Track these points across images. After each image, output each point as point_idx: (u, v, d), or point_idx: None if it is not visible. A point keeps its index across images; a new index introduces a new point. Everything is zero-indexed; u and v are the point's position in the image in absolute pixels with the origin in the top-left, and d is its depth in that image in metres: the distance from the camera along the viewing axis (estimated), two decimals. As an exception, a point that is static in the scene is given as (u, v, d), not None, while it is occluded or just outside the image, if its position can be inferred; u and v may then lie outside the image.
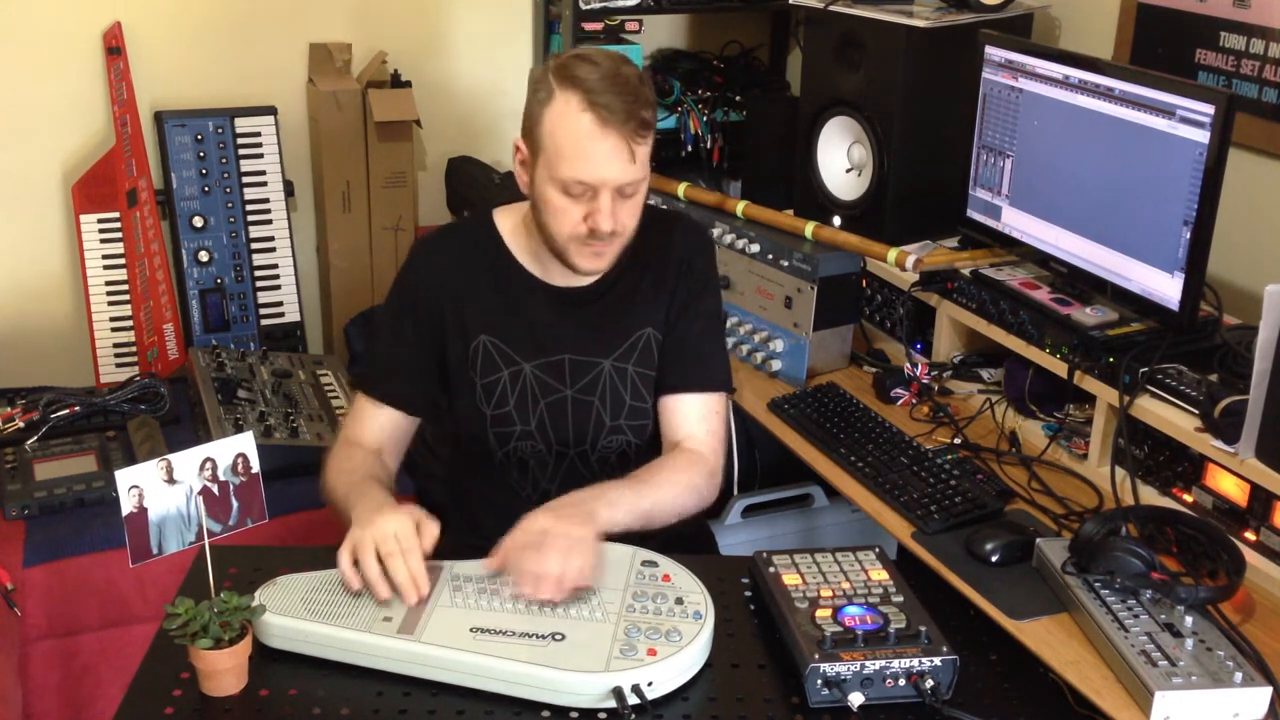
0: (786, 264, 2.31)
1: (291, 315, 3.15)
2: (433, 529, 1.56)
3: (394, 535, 1.52)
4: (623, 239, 1.73)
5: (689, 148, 3.19)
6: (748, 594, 1.64)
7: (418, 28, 3.26)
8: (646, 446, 1.88)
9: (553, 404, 1.82)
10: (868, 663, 1.39)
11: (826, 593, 1.52)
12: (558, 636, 1.44)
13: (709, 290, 1.89)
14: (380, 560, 1.51)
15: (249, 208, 3.09)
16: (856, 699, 1.39)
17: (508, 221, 1.85)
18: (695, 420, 1.85)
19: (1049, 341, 2.01)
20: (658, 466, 1.78)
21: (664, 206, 2.59)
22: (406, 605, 1.49)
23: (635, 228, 1.75)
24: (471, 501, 1.92)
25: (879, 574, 1.57)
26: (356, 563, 1.52)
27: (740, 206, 2.49)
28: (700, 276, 1.87)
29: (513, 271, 1.82)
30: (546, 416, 1.81)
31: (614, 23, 3.03)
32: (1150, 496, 1.86)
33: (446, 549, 1.58)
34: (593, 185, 1.65)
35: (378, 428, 1.83)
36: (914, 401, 2.21)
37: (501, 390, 1.81)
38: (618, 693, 1.36)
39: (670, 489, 1.75)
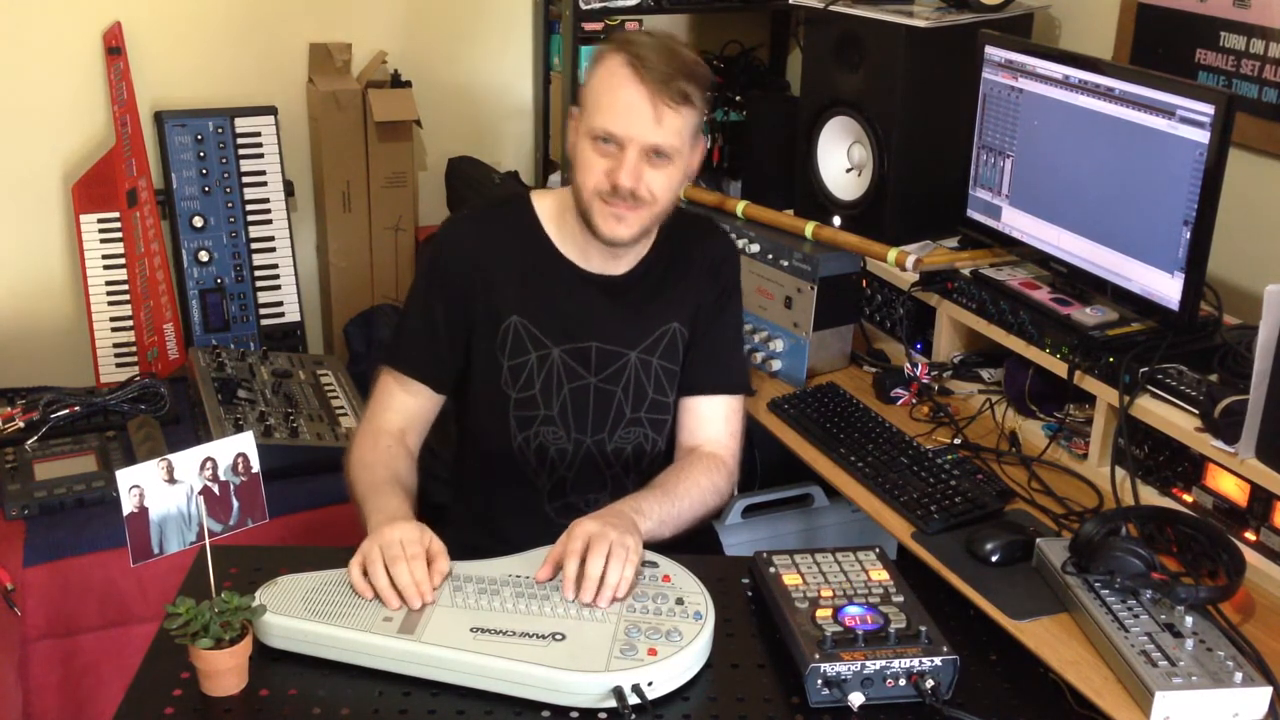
0: (786, 264, 2.31)
1: (291, 315, 3.15)
2: (444, 565, 1.54)
3: (399, 541, 1.52)
4: (650, 209, 1.73)
5: (689, 147, 3.19)
6: (748, 594, 1.64)
7: (418, 28, 3.26)
8: (664, 445, 1.89)
9: (576, 390, 1.82)
10: (868, 663, 1.39)
11: (827, 593, 1.52)
12: (558, 636, 1.44)
13: (735, 298, 1.93)
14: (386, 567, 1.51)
15: (249, 208, 3.09)
16: (857, 699, 1.39)
17: (545, 204, 1.85)
18: (719, 422, 1.88)
19: (1049, 341, 2.01)
20: (681, 473, 1.79)
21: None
22: (410, 609, 1.49)
23: (666, 204, 1.75)
24: (481, 497, 1.92)
25: (879, 574, 1.57)
26: (366, 574, 1.52)
27: (740, 206, 2.49)
28: (730, 284, 1.91)
29: (547, 254, 1.83)
30: (569, 403, 1.82)
31: (614, 23, 3.03)
32: (1150, 496, 1.86)
33: (452, 548, 1.58)
34: (619, 138, 1.68)
35: (402, 407, 1.83)
36: (914, 401, 2.21)
37: (528, 373, 1.81)
38: (618, 693, 1.36)
39: (697, 493, 1.77)
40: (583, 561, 1.52)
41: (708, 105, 1.76)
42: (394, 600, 1.49)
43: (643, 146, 1.68)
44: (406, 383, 1.83)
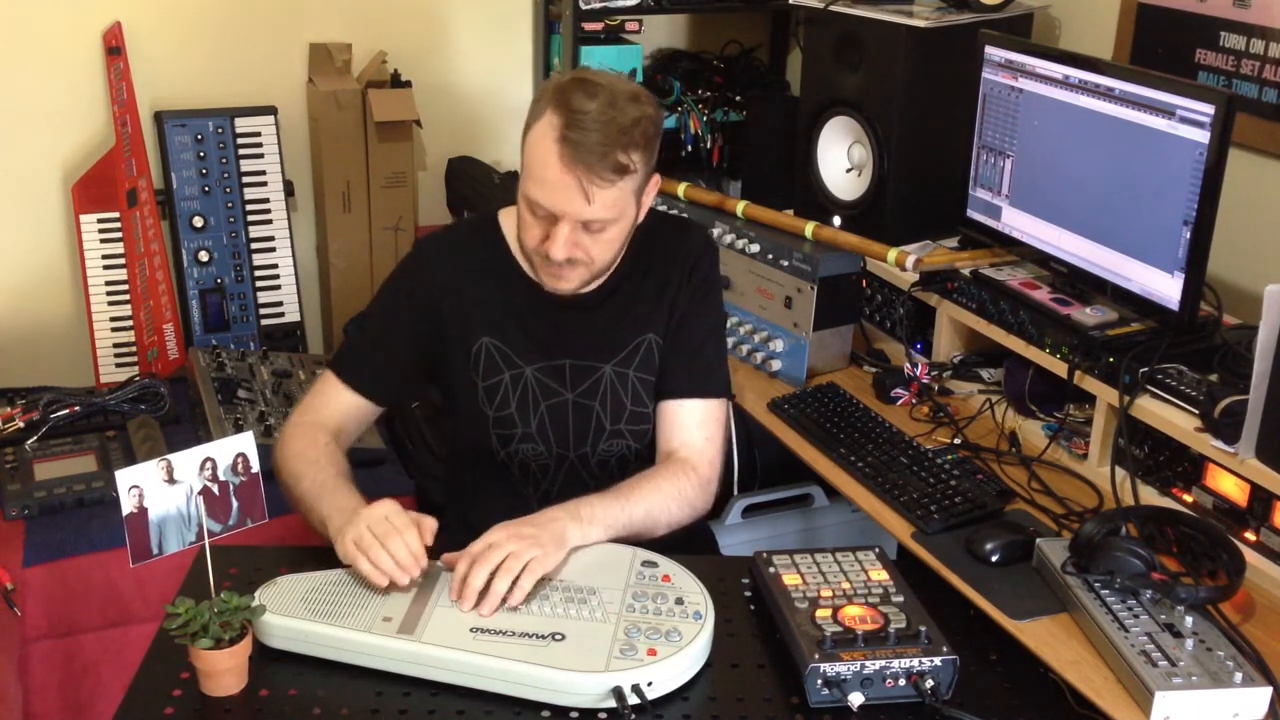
0: (786, 264, 2.31)
1: (291, 315, 3.15)
2: (431, 523, 1.56)
3: (384, 518, 1.54)
4: (589, 268, 1.72)
5: (689, 148, 3.19)
6: (748, 594, 1.64)
7: (418, 28, 3.26)
8: (647, 451, 1.88)
9: (553, 407, 1.81)
10: (868, 663, 1.39)
11: (826, 593, 1.52)
12: (558, 636, 1.44)
13: (713, 296, 1.89)
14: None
15: (249, 208, 3.09)
16: (856, 699, 1.39)
17: (512, 223, 1.83)
18: (693, 427, 1.84)
19: (1049, 341, 2.01)
20: (643, 477, 1.76)
21: (670, 210, 2.59)
22: (411, 580, 1.51)
23: (609, 259, 1.74)
24: (472, 504, 1.92)
25: (879, 574, 1.57)
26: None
27: (740, 206, 2.49)
28: (705, 282, 1.86)
29: (514, 276, 1.82)
30: (547, 419, 1.81)
31: (614, 23, 3.03)
32: (1150, 496, 1.86)
33: (446, 549, 1.58)
34: (551, 212, 1.65)
35: (341, 409, 1.82)
36: (914, 401, 2.21)
37: (504, 393, 1.80)
38: (618, 693, 1.37)
39: (656, 498, 1.72)
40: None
41: (655, 150, 1.70)
42: (403, 577, 1.50)
43: (576, 221, 1.65)
44: (348, 389, 1.82)
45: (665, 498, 1.74)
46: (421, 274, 1.83)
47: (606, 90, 1.63)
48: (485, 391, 1.81)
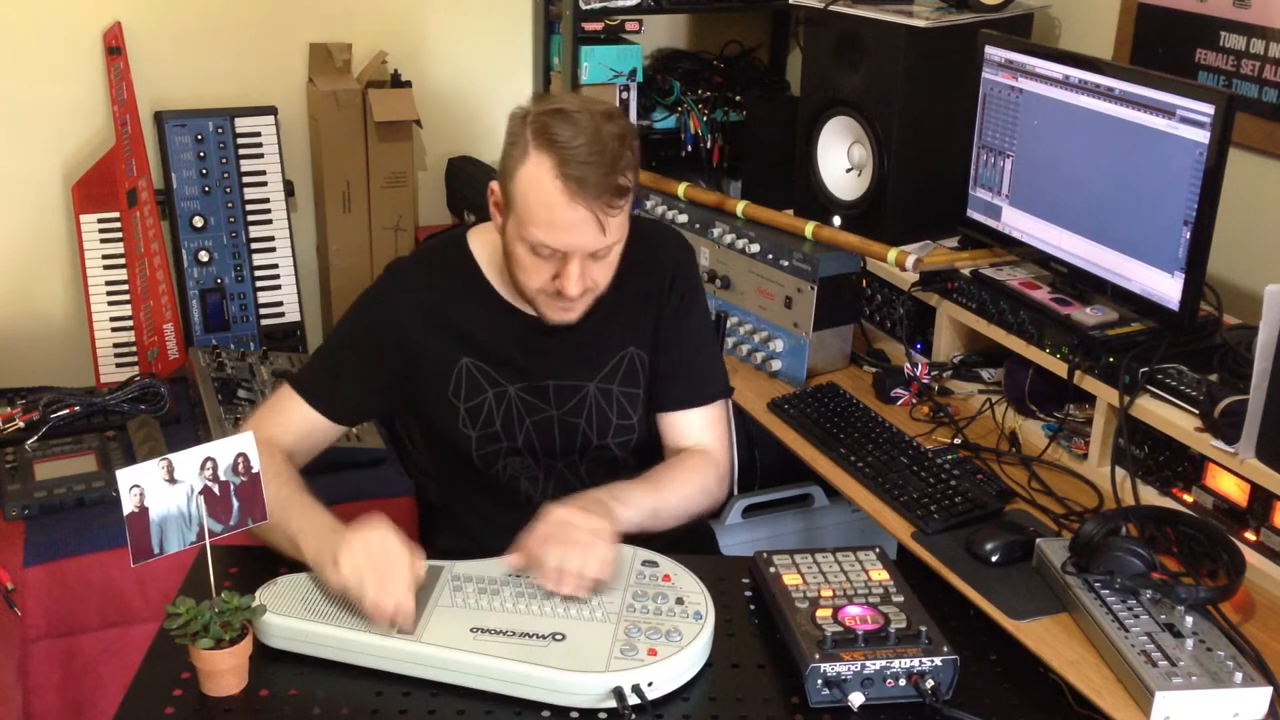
0: (786, 264, 2.31)
1: (291, 315, 3.15)
2: (423, 562, 1.53)
3: (383, 544, 1.49)
4: (595, 293, 1.71)
5: (689, 148, 3.20)
6: (748, 594, 1.64)
7: (418, 28, 3.26)
8: (634, 459, 1.86)
9: (539, 422, 1.80)
10: (868, 663, 1.39)
11: (827, 593, 1.52)
12: (558, 636, 1.44)
13: (696, 302, 1.87)
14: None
15: (249, 208, 3.09)
16: (857, 699, 1.39)
17: (482, 247, 1.80)
18: (700, 430, 1.85)
19: (1049, 341, 2.01)
20: (669, 468, 1.78)
21: (669, 211, 2.59)
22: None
23: (609, 280, 1.72)
24: (463, 510, 1.91)
25: (879, 574, 1.57)
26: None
27: (740, 206, 2.49)
28: (687, 289, 1.85)
29: (490, 301, 1.79)
30: (533, 434, 1.80)
31: (614, 23, 3.03)
32: (1150, 496, 1.86)
33: (445, 549, 1.58)
34: (561, 251, 1.63)
35: (299, 428, 1.76)
36: (914, 401, 2.21)
37: (487, 412, 1.78)
38: (618, 693, 1.37)
39: (682, 489, 1.75)
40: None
41: (639, 157, 1.66)
42: (406, 621, 1.45)
43: (585, 254, 1.63)
44: (306, 407, 1.77)
45: (692, 489, 1.77)
46: (389, 304, 1.79)
47: (585, 115, 1.59)
48: (467, 413, 1.78)
